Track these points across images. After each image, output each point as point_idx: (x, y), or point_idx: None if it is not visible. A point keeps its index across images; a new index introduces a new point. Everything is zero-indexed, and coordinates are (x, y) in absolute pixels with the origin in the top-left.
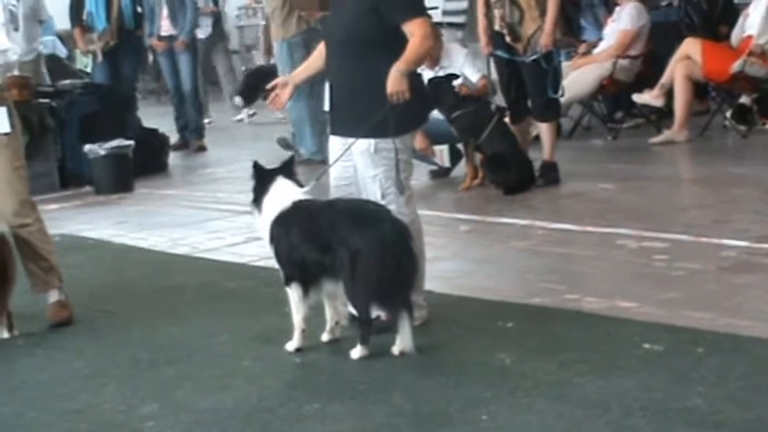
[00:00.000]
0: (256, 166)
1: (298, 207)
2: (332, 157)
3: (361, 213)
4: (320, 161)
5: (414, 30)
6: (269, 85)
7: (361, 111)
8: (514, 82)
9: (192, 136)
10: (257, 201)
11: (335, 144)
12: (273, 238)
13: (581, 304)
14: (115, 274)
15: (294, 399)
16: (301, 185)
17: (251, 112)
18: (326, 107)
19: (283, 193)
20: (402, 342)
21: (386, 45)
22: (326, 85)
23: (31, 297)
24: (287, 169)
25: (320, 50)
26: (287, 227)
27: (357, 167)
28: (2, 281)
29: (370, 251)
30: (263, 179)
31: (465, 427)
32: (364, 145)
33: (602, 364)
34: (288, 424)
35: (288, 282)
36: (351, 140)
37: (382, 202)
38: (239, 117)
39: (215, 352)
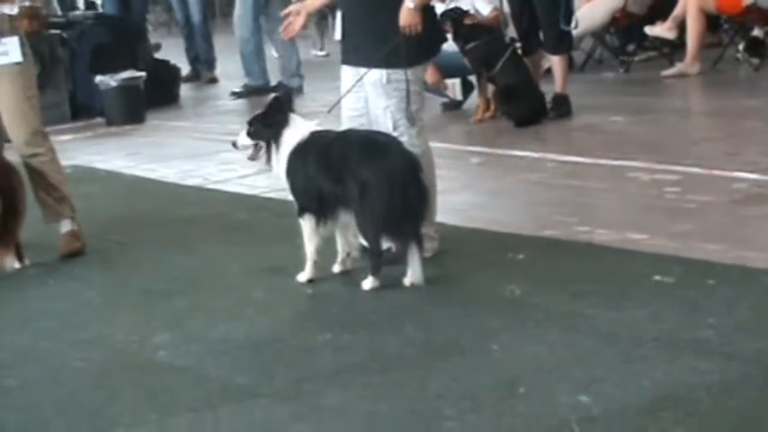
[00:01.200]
0: (277, 100)
1: (314, 138)
2: (343, 86)
3: (371, 144)
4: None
5: None
6: (282, 13)
7: (373, 40)
8: (526, 14)
9: (203, 67)
10: (275, 134)
11: (347, 73)
12: (290, 170)
13: (592, 236)
14: (127, 205)
15: (305, 329)
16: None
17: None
18: (337, 36)
19: (300, 126)
20: (412, 274)
21: None
22: (338, 14)
23: (42, 227)
24: (289, 101)
25: None
26: (304, 158)
27: (368, 98)
28: (12, 212)
29: (379, 182)
30: (278, 114)
31: (476, 357)
32: (376, 75)
33: (613, 295)
34: (299, 354)
35: (301, 212)
36: (362, 70)
37: (394, 134)
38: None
39: (227, 282)
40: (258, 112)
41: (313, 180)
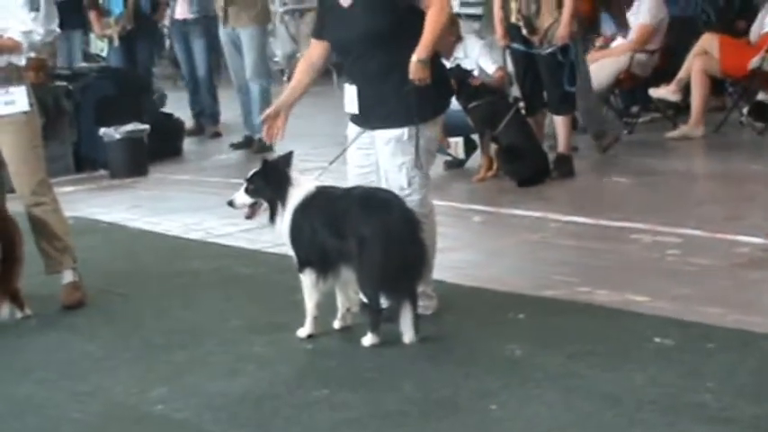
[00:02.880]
0: (267, 163)
1: (319, 194)
2: (354, 145)
3: (372, 201)
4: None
5: (432, 1)
6: (261, 118)
7: (394, 100)
8: (530, 74)
9: (208, 122)
10: (280, 192)
11: (355, 130)
12: (295, 226)
13: (593, 297)
14: (129, 257)
15: (304, 385)
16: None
17: None
18: (351, 109)
19: (303, 183)
20: (404, 332)
21: (406, 32)
22: (350, 89)
23: (44, 278)
24: (287, 162)
25: (303, 69)
26: (308, 213)
27: (381, 156)
28: (9, 260)
29: (377, 238)
30: (276, 174)
31: (474, 417)
32: (396, 133)
33: (613, 357)
34: (297, 410)
35: (302, 267)
36: (380, 132)
37: (405, 192)
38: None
39: (226, 337)
40: (257, 169)
41: (316, 235)
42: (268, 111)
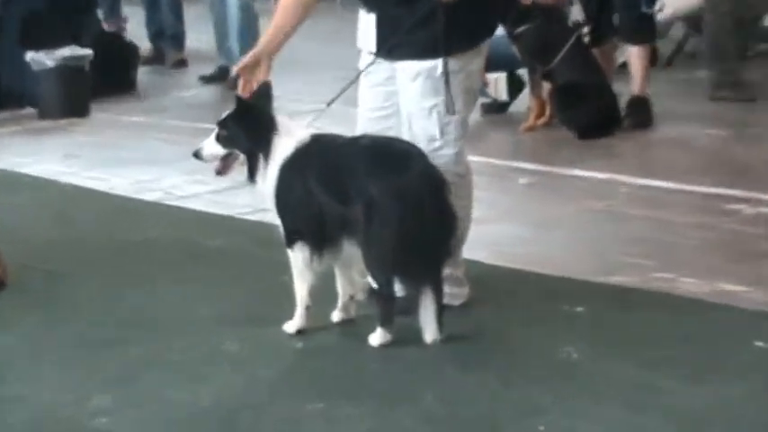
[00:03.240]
0: (244, 103)
1: (316, 143)
2: (367, 82)
3: (386, 153)
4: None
5: None
6: (233, 72)
7: (420, 24)
8: None
9: (169, 46)
10: (260, 143)
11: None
12: (281, 186)
13: (674, 285)
14: (62, 223)
15: (292, 395)
16: None
17: None
18: (365, 45)
19: (293, 130)
20: (425, 328)
21: None
22: (367, 19)
23: None
24: (267, 100)
25: (284, 7)
26: (300, 170)
27: (405, 96)
28: None
29: (389, 204)
30: (256, 117)
31: None
32: (426, 64)
33: (701, 365)
34: (283, 427)
35: (291, 241)
36: (405, 65)
37: (437, 143)
38: None
39: (191, 330)
40: (231, 110)
41: (310, 199)
42: (245, 59)
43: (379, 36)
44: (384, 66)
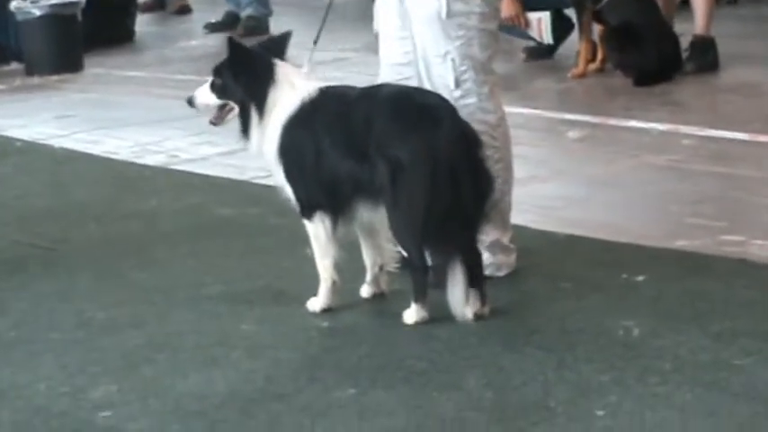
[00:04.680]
0: (233, 44)
1: (323, 98)
2: (382, 24)
3: (409, 107)
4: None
5: None
6: None
7: None
8: None
9: None
10: (254, 95)
11: (389, 7)
12: (286, 147)
13: (747, 250)
14: (56, 192)
15: (318, 380)
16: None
17: None
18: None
19: (296, 81)
20: (461, 303)
21: None
22: None
23: None
24: (279, 49)
25: None
26: (308, 128)
27: (418, 42)
28: None
29: (417, 163)
30: (251, 64)
31: (572, 427)
32: (432, 6)
33: None
34: (308, 417)
35: (308, 211)
36: (413, 4)
37: (455, 93)
38: None
39: (202, 309)
40: (226, 56)
41: (323, 160)
42: None
43: None
44: (395, 6)
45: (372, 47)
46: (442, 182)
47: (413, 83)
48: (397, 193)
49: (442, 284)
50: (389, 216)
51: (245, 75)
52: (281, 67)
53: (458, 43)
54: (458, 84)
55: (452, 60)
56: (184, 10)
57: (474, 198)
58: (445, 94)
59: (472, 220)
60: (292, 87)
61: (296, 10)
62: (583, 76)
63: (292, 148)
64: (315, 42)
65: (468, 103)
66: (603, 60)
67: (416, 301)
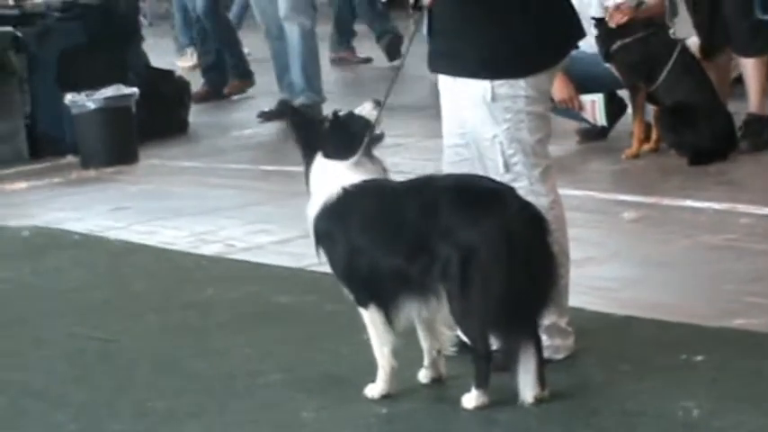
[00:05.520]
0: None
1: (361, 192)
2: (444, 103)
3: (475, 193)
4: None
5: None
6: None
7: (473, 38)
8: None
9: (233, 75)
10: (305, 169)
11: (445, 87)
12: (320, 239)
13: None
14: (112, 284)
15: None
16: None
17: None
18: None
19: (329, 173)
20: (525, 386)
21: None
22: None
23: None
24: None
25: None
26: (341, 220)
27: (468, 123)
28: None
29: (491, 249)
30: (307, 139)
31: None
32: (478, 90)
33: None
34: None
35: (361, 300)
36: (460, 83)
37: (506, 177)
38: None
39: (260, 398)
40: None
41: (362, 259)
42: None
43: (430, 21)
44: (449, 87)
45: (423, 133)
46: (517, 265)
47: (469, 165)
48: (467, 280)
49: (509, 369)
50: (455, 303)
51: (299, 144)
52: (319, 162)
53: (505, 127)
54: (507, 167)
55: (500, 144)
56: (237, 90)
57: (543, 282)
58: (497, 178)
59: (541, 304)
60: (327, 177)
61: (352, 98)
62: (636, 156)
63: (326, 241)
64: (372, 130)
65: (519, 186)
66: (658, 140)
67: (478, 387)
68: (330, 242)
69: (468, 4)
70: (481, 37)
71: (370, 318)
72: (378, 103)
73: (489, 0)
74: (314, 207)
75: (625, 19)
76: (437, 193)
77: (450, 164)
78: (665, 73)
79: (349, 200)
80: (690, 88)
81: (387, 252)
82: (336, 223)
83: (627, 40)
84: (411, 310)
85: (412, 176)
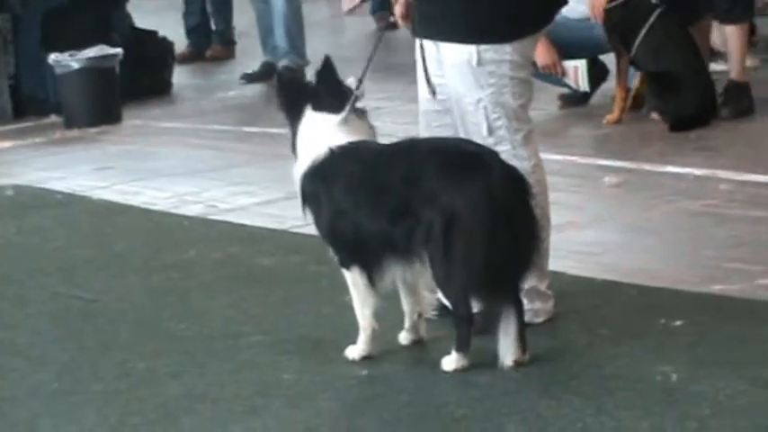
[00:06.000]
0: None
1: (345, 155)
2: (420, 70)
3: (457, 157)
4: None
5: None
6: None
7: (458, 4)
8: None
9: (216, 38)
10: (291, 133)
11: (427, 51)
12: (306, 199)
13: None
14: (95, 243)
15: (358, 429)
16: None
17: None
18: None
19: (318, 130)
20: (505, 350)
21: None
22: None
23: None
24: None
25: None
26: (326, 186)
27: (452, 88)
28: None
29: (474, 213)
30: (293, 102)
31: None
32: (463, 55)
33: None
34: None
35: (344, 261)
36: (445, 47)
37: (489, 141)
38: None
39: (242, 359)
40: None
41: (347, 221)
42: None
43: (418, 13)
44: (431, 53)
45: (405, 96)
46: (499, 228)
47: (449, 131)
48: (449, 244)
49: (490, 331)
50: (437, 267)
51: (285, 107)
52: (308, 117)
53: (489, 91)
54: (491, 131)
55: (485, 108)
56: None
57: (526, 245)
58: (479, 142)
59: (522, 268)
60: (316, 134)
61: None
62: (619, 121)
63: (313, 202)
64: (357, 87)
65: (501, 150)
66: (634, 104)
67: (459, 350)
68: (316, 202)
69: None
70: (467, 3)
71: (353, 279)
72: (360, 82)
73: None
74: (301, 167)
75: None
76: (421, 156)
77: (427, 128)
78: (640, 37)
79: (335, 161)
80: (672, 55)
81: (371, 214)
82: (322, 184)
83: (612, 4)
84: (395, 273)
85: (395, 139)
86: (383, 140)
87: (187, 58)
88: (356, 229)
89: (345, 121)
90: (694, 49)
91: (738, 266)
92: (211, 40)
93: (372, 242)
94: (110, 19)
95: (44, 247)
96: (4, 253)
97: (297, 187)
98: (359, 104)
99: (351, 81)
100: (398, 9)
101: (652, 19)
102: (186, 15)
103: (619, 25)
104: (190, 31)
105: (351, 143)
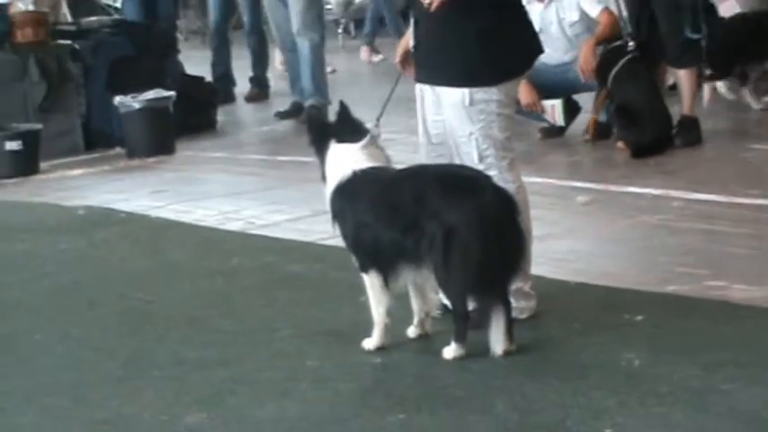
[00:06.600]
0: (314, 121)
1: (363, 178)
2: (419, 107)
3: (456, 181)
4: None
5: None
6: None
7: (452, 52)
8: (645, 16)
9: (254, 84)
10: (320, 164)
11: (426, 93)
12: (335, 215)
13: (728, 293)
14: (152, 254)
15: (372, 407)
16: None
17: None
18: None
19: (342, 157)
20: (495, 341)
21: None
22: (411, 21)
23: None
24: (344, 126)
25: None
26: (350, 204)
27: (448, 123)
28: None
29: (469, 227)
30: (320, 138)
31: None
32: (457, 96)
33: (757, 367)
34: None
35: (364, 267)
36: (442, 90)
37: (480, 167)
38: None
39: (275, 350)
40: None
41: (368, 232)
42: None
43: (417, 49)
44: (430, 94)
45: (411, 129)
46: (491, 239)
47: (445, 160)
48: (449, 252)
49: (483, 326)
50: (439, 272)
51: (315, 142)
52: (333, 149)
53: (480, 126)
54: (481, 159)
55: (476, 140)
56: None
57: (514, 254)
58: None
59: (511, 272)
60: (341, 160)
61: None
62: (594, 139)
63: (340, 216)
64: (378, 119)
65: (490, 175)
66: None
67: (457, 341)
68: (342, 216)
69: (449, 27)
70: (460, 53)
71: (371, 281)
72: (378, 121)
73: (466, 25)
74: (330, 188)
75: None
76: (427, 179)
77: (426, 159)
78: (611, 76)
79: (358, 182)
80: (636, 93)
81: (387, 227)
82: (347, 201)
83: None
84: (406, 276)
85: (405, 166)
86: (396, 166)
87: (253, 97)
88: (374, 239)
89: (366, 149)
90: (655, 88)
91: (688, 270)
92: (234, 85)
93: (387, 250)
94: (164, 67)
95: (110, 257)
96: (78, 263)
97: (327, 205)
98: (376, 135)
99: (371, 125)
100: (398, 56)
101: (622, 62)
102: (214, 65)
103: (600, 65)
104: (217, 79)
105: (371, 168)
